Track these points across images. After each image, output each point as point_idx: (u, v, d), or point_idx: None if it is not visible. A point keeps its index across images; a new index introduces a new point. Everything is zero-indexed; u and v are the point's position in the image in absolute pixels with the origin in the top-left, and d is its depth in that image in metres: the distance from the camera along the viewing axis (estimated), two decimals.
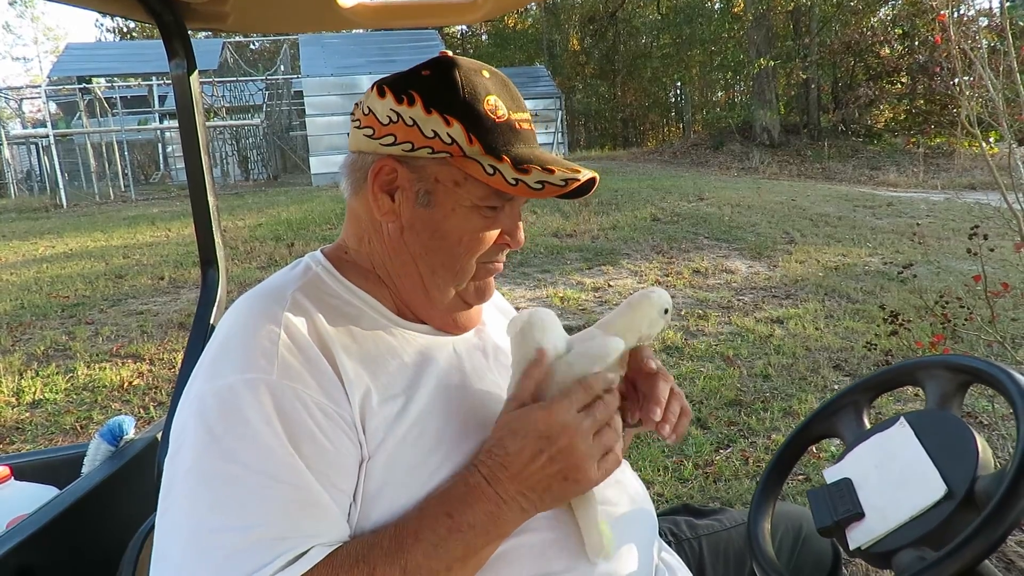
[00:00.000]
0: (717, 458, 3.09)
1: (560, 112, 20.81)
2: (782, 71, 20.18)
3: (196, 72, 1.08)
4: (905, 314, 4.55)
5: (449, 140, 0.84)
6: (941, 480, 0.80)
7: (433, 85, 0.85)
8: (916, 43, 16.09)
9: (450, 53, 0.91)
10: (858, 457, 0.94)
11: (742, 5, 18.78)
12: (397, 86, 0.86)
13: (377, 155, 0.88)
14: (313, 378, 0.77)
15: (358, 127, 0.90)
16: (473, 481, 0.78)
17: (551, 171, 0.84)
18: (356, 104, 0.91)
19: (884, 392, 1.02)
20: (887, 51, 17.27)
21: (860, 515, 0.85)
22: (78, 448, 1.31)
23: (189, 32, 1.08)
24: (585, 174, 0.86)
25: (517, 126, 0.88)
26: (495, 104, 0.86)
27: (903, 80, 17.74)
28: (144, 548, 0.75)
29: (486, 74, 0.88)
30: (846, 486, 0.90)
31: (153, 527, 0.79)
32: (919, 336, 3.84)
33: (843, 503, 0.88)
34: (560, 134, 20.81)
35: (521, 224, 0.93)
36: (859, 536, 0.84)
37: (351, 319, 0.87)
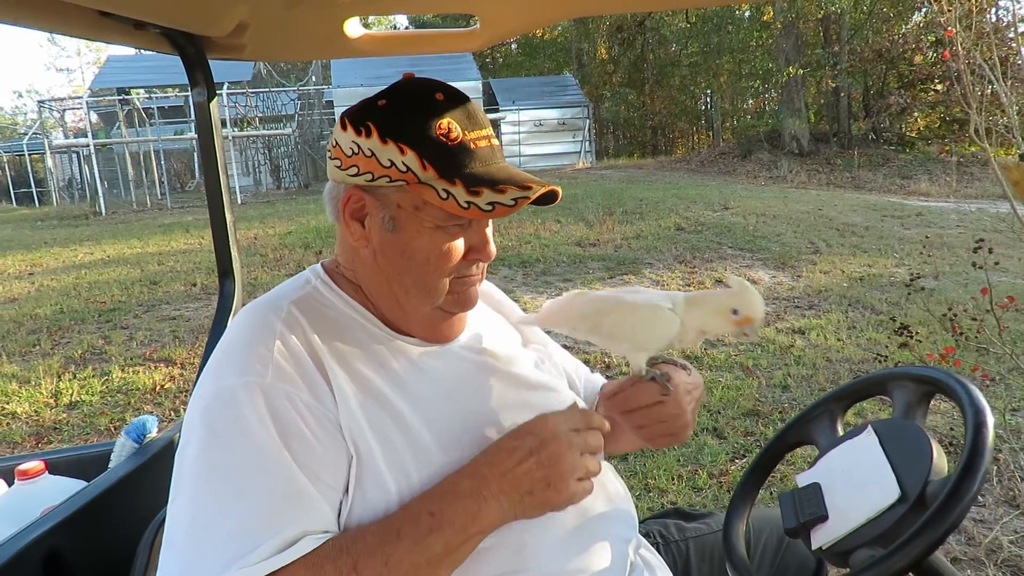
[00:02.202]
0: (732, 468, 3.10)
1: (588, 121, 20.86)
2: (812, 79, 19.99)
3: (216, 99, 1.17)
4: (930, 326, 4.52)
5: (404, 168, 0.88)
6: (897, 484, 0.85)
7: (387, 115, 0.89)
8: (951, 50, 15.81)
9: (414, 74, 0.96)
10: (828, 463, 0.99)
11: (771, 13, 18.65)
12: (356, 118, 0.91)
13: (345, 184, 0.93)
14: (304, 382, 0.85)
15: (330, 158, 0.95)
16: (456, 479, 0.84)
17: (502, 191, 0.88)
18: (331, 136, 0.97)
19: (857, 401, 1.07)
20: (920, 58, 17.00)
21: (824, 517, 0.90)
22: (106, 445, 1.40)
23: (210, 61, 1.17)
24: (537, 190, 0.89)
25: (472, 146, 0.90)
26: (448, 127, 0.89)
27: (936, 88, 17.44)
28: (158, 536, 0.83)
29: (440, 96, 0.91)
30: (814, 490, 0.95)
31: (165, 517, 0.87)
32: (937, 348, 3.82)
33: (810, 506, 0.93)
34: (588, 143, 20.85)
35: (491, 237, 0.97)
36: (822, 537, 0.89)
37: (343, 329, 0.93)
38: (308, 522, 0.79)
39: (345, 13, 1.11)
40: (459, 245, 0.94)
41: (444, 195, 0.88)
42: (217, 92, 1.17)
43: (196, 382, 1.16)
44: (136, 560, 0.80)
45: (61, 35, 1.01)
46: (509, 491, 0.83)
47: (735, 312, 0.92)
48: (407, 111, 0.89)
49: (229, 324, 0.93)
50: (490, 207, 0.87)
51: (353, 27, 1.16)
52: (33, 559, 0.90)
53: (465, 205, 0.87)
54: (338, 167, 0.93)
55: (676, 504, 2.86)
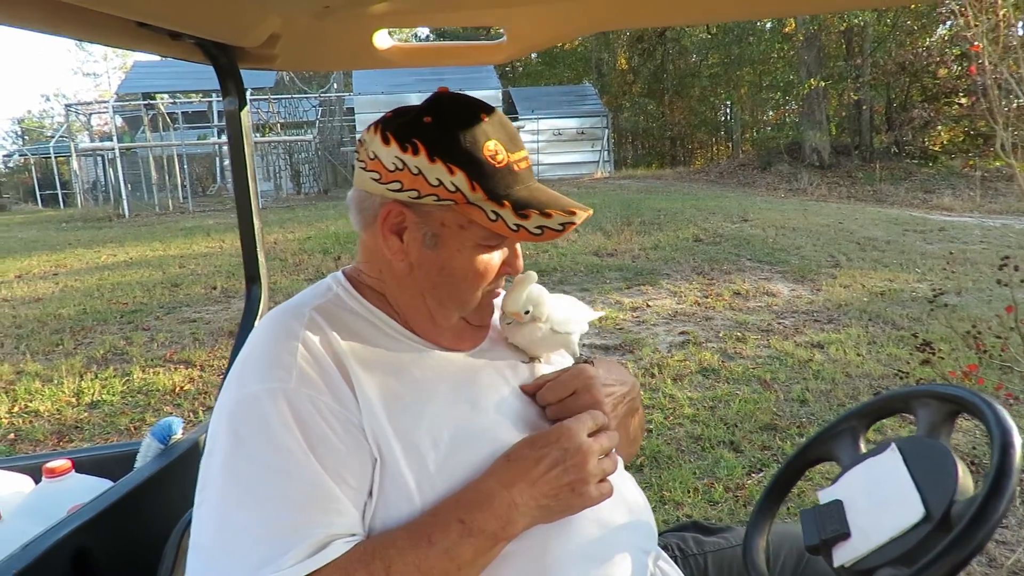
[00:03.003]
0: (749, 482, 3.08)
1: (607, 130, 20.86)
2: (833, 91, 19.86)
3: (247, 108, 1.19)
4: (952, 342, 4.46)
5: (453, 188, 0.89)
6: (921, 503, 0.84)
7: (435, 134, 0.90)
8: (973, 61, 15.66)
9: (449, 89, 0.96)
10: (850, 480, 0.98)
11: (793, 25, 18.58)
12: (401, 134, 0.91)
13: (384, 198, 0.93)
14: (327, 387, 0.86)
15: (364, 169, 0.95)
16: (486, 488, 0.86)
17: (549, 215, 0.91)
18: (360, 142, 0.97)
19: (880, 419, 1.06)
20: (944, 71, 16.85)
21: (846, 535, 0.90)
22: (131, 445, 1.42)
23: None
24: (580, 215, 0.92)
25: (515, 168, 0.93)
26: (495, 149, 0.91)
27: (961, 101, 17.25)
28: (184, 537, 0.84)
29: (484, 117, 0.92)
30: (836, 507, 0.94)
31: (192, 519, 0.88)
32: (959, 365, 3.77)
33: (831, 523, 0.92)
34: (606, 152, 20.85)
35: (520, 251, 1.00)
36: (843, 555, 0.88)
37: (365, 335, 0.94)
38: (336, 526, 0.80)
39: (374, 25, 1.13)
40: (495, 261, 0.97)
41: (493, 217, 0.90)
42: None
43: (221, 387, 1.18)
44: (163, 560, 0.81)
45: (100, 45, 1.04)
46: (539, 497, 0.86)
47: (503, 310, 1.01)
48: (455, 131, 0.90)
49: (254, 329, 0.94)
50: (539, 231, 0.90)
51: (382, 39, 1.18)
52: (62, 556, 0.92)
53: (515, 228, 0.90)
54: (376, 180, 0.93)
55: (691, 517, 2.84)
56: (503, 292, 1.05)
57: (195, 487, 0.83)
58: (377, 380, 0.90)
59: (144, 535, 1.05)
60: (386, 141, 0.91)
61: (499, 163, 0.91)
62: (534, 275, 1.03)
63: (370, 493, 0.86)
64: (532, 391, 1.01)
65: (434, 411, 0.91)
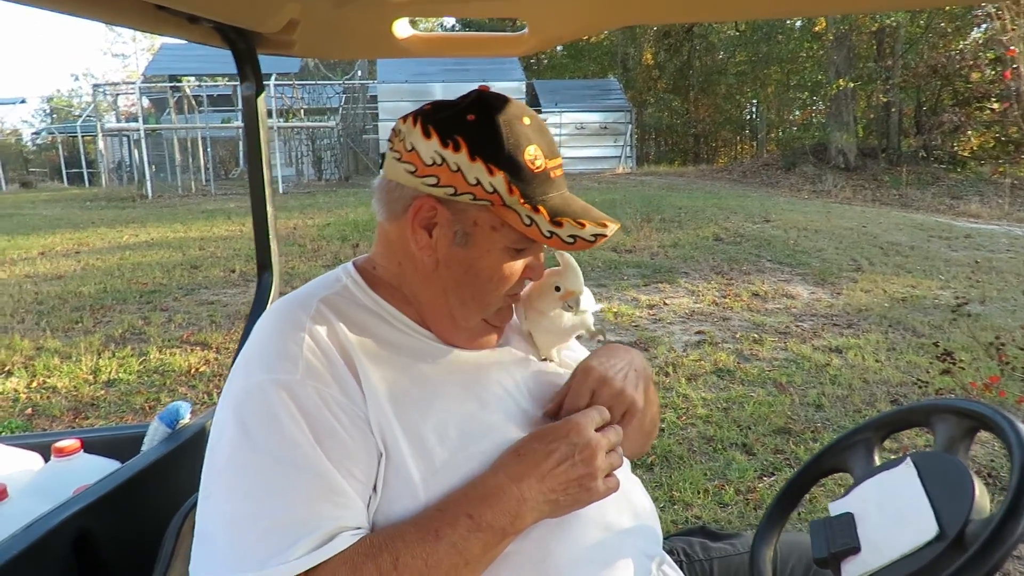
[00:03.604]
0: (760, 485, 3.05)
1: (630, 126, 20.73)
2: (862, 93, 19.57)
3: (263, 94, 1.18)
4: (973, 352, 4.39)
5: (491, 189, 0.89)
6: (935, 521, 0.82)
7: (478, 133, 0.89)
8: (1011, 67, 15.36)
9: (489, 87, 0.96)
10: (863, 492, 0.96)
11: (823, 24, 18.31)
12: (443, 128, 0.90)
13: (417, 192, 0.92)
14: (334, 379, 0.85)
15: (398, 159, 0.94)
16: (495, 483, 0.85)
17: (582, 225, 0.90)
18: (395, 132, 0.96)
19: (896, 431, 1.03)
20: (977, 75, 16.54)
21: (856, 549, 0.88)
22: (141, 427, 1.43)
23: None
24: (612, 228, 0.92)
25: (552, 175, 0.93)
26: (534, 154, 0.91)
27: (993, 107, 16.95)
28: (186, 522, 0.84)
29: (527, 121, 0.92)
30: (847, 520, 0.92)
31: (194, 505, 0.88)
32: (981, 375, 3.71)
33: (842, 536, 0.90)
34: (629, 148, 20.73)
35: (543, 259, 1.01)
36: (853, 569, 0.87)
37: (373, 329, 0.93)
38: (344, 519, 0.80)
39: (394, 14, 1.12)
40: (520, 266, 0.97)
41: (528, 221, 0.90)
42: (265, 85, 1.18)
43: (229, 375, 1.18)
44: (163, 546, 0.81)
45: (117, 26, 1.04)
46: (547, 492, 0.86)
47: (557, 288, 1.01)
48: (499, 132, 0.89)
49: (258, 321, 0.93)
50: (572, 240, 0.90)
51: (402, 28, 1.17)
52: (64, 538, 0.92)
53: (548, 234, 0.90)
54: (411, 172, 0.92)
55: (700, 519, 2.82)
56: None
57: (200, 473, 0.83)
58: (384, 374, 0.89)
59: (147, 519, 1.05)
60: (427, 134, 0.90)
61: (537, 169, 0.91)
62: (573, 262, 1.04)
63: (374, 488, 0.85)
64: (554, 413, 0.98)
65: (441, 407, 0.90)
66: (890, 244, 8.75)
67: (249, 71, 1.15)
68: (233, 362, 1.19)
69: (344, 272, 1.01)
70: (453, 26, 28.51)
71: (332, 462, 0.81)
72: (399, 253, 0.98)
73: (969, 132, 18.37)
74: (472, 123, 0.90)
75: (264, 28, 1.08)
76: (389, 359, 0.91)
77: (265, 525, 0.77)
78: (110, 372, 4.41)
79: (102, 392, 4.15)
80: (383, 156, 0.98)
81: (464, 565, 0.80)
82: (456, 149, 0.89)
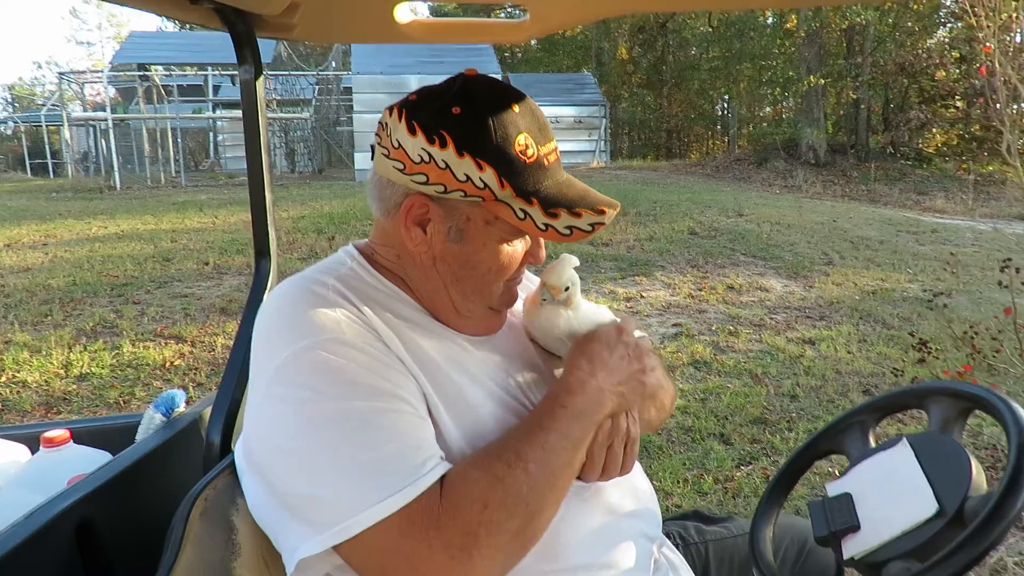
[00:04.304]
0: (738, 474, 3.10)
1: (604, 120, 20.80)
2: (832, 90, 19.89)
3: (263, 77, 1.17)
4: (940, 343, 4.50)
5: (482, 185, 0.87)
6: (934, 498, 0.85)
7: (465, 127, 0.86)
8: (974, 67, 15.74)
9: (479, 70, 0.93)
10: (860, 473, 0.98)
11: (795, 21, 18.55)
12: (428, 125, 0.87)
13: (408, 190, 0.91)
14: (371, 335, 0.87)
15: (386, 156, 0.91)
16: (575, 378, 0.91)
17: (578, 215, 0.89)
18: (381, 125, 0.93)
19: (891, 413, 1.06)
20: (943, 74, 16.92)
21: (856, 527, 0.90)
22: (129, 418, 1.41)
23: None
24: (610, 214, 0.91)
25: (545, 162, 0.91)
26: (525, 143, 0.88)
27: (958, 104, 17.35)
28: (194, 508, 0.83)
29: (516, 108, 0.89)
30: (846, 500, 0.95)
31: (202, 490, 0.87)
32: (951, 365, 3.80)
33: (841, 515, 0.93)
34: (603, 142, 20.80)
35: (543, 241, 0.98)
36: (853, 547, 0.89)
37: (386, 305, 0.93)
38: (438, 447, 0.84)
39: None
40: (519, 252, 0.96)
41: (521, 215, 0.88)
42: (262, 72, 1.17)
43: (229, 363, 1.17)
44: (171, 533, 0.80)
45: (119, 5, 1.01)
46: (615, 384, 0.93)
47: (544, 285, 1.01)
48: (486, 124, 0.87)
49: (266, 301, 0.92)
50: (568, 231, 0.89)
51: (403, 12, 1.16)
52: (66, 527, 0.91)
53: (543, 227, 0.88)
54: (400, 170, 0.90)
55: (680, 507, 2.86)
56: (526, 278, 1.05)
57: (199, 460, 0.82)
58: (407, 343, 0.90)
59: (147, 507, 1.04)
60: (412, 131, 0.88)
61: (529, 159, 0.89)
62: (575, 259, 1.02)
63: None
64: None
65: (460, 375, 0.92)
66: (860, 238, 8.92)
67: (248, 54, 1.13)
68: (232, 354, 1.18)
69: (348, 255, 1.00)
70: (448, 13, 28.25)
71: (411, 395, 0.84)
72: (397, 246, 0.97)
73: (934, 129, 18.78)
74: (458, 116, 0.87)
75: (265, 10, 1.07)
76: (409, 332, 0.91)
77: (387, 454, 0.79)
78: (82, 366, 4.33)
79: (74, 386, 4.07)
80: (373, 148, 0.96)
81: (572, 448, 0.87)
82: (443, 145, 0.86)
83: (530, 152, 0.89)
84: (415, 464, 0.79)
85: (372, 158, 0.97)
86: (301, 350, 0.82)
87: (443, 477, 0.81)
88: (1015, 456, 0.79)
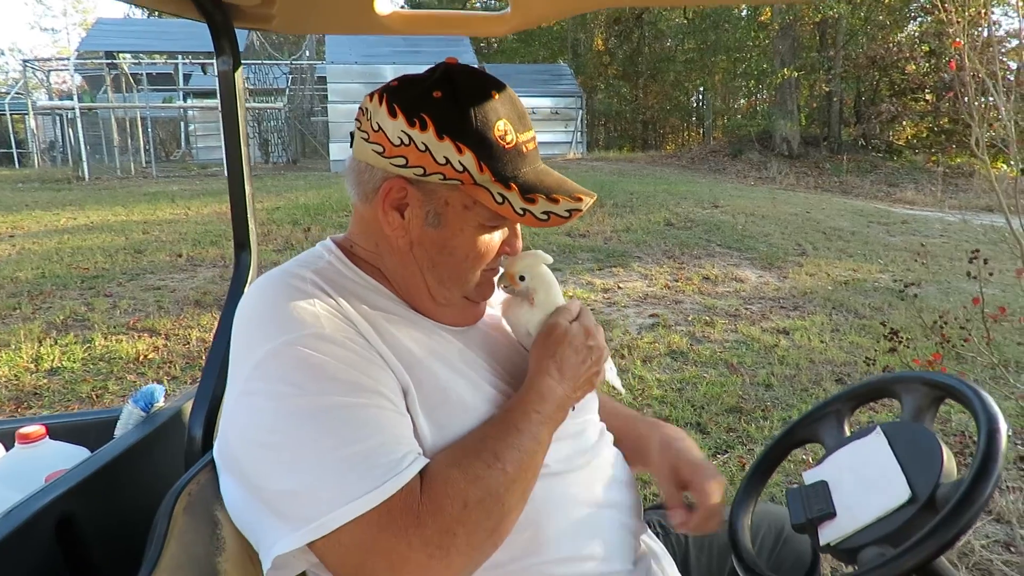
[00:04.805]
0: (714, 462, 3.14)
1: (580, 111, 20.82)
2: (805, 82, 20.12)
3: (241, 68, 1.16)
4: (910, 332, 4.59)
5: (461, 168, 0.88)
6: (907, 485, 0.87)
7: (446, 110, 0.87)
8: (943, 61, 16.00)
9: (458, 60, 0.93)
10: (836, 461, 1.01)
11: (769, 14, 18.70)
12: (409, 107, 0.88)
13: (387, 173, 0.91)
14: (351, 329, 0.87)
15: (366, 140, 0.92)
16: (546, 385, 0.94)
17: (556, 200, 0.90)
18: (361, 110, 0.93)
19: (865, 402, 1.09)
20: (913, 67, 17.18)
21: (832, 514, 0.92)
22: (106, 413, 1.39)
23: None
24: (587, 202, 0.92)
25: (524, 149, 0.92)
26: (504, 129, 0.89)
27: (927, 98, 17.64)
28: (178, 503, 0.83)
29: (496, 95, 0.90)
30: (822, 487, 0.97)
31: (186, 485, 0.87)
32: (921, 354, 3.89)
33: (818, 503, 0.95)
34: (579, 133, 20.83)
35: (519, 232, 1.00)
36: (830, 533, 0.91)
37: (364, 298, 0.93)
38: (416, 443, 0.85)
39: None
40: (496, 241, 0.96)
41: (500, 199, 0.89)
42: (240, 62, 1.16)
43: (209, 356, 1.16)
44: (155, 527, 0.79)
45: None
46: (574, 388, 0.96)
47: (522, 278, 1.02)
48: (467, 108, 0.87)
49: (246, 296, 0.92)
50: (545, 216, 0.90)
51: (383, 4, 1.15)
52: (47, 523, 0.90)
53: (521, 212, 0.89)
54: (379, 153, 0.91)
55: (658, 496, 2.89)
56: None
57: (181, 455, 0.81)
58: (385, 335, 0.90)
59: (128, 502, 1.03)
60: (392, 114, 0.88)
61: (508, 144, 0.90)
62: (548, 257, 1.03)
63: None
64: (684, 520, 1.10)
65: (440, 365, 0.92)
66: (832, 229, 9.05)
67: (226, 45, 1.11)
68: (212, 348, 1.17)
69: (325, 249, 1.00)
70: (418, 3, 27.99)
71: (390, 391, 0.85)
72: (375, 234, 0.97)
73: (904, 122, 19.09)
74: (439, 100, 0.87)
75: (243, 0, 1.05)
76: (386, 322, 0.92)
77: (365, 449, 0.78)
78: (53, 360, 4.25)
79: (45, 381, 4.00)
80: (352, 135, 0.96)
81: (541, 452, 0.90)
82: (423, 128, 0.87)
83: (509, 138, 0.90)
84: (395, 459, 0.79)
85: (351, 145, 0.97)
86: (281, 346, 0.82)
87: (423, 473, 0.81)
88: (984, 443, 0.81)
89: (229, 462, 0.85)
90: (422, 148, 0.87)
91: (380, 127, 0.90)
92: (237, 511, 0.85)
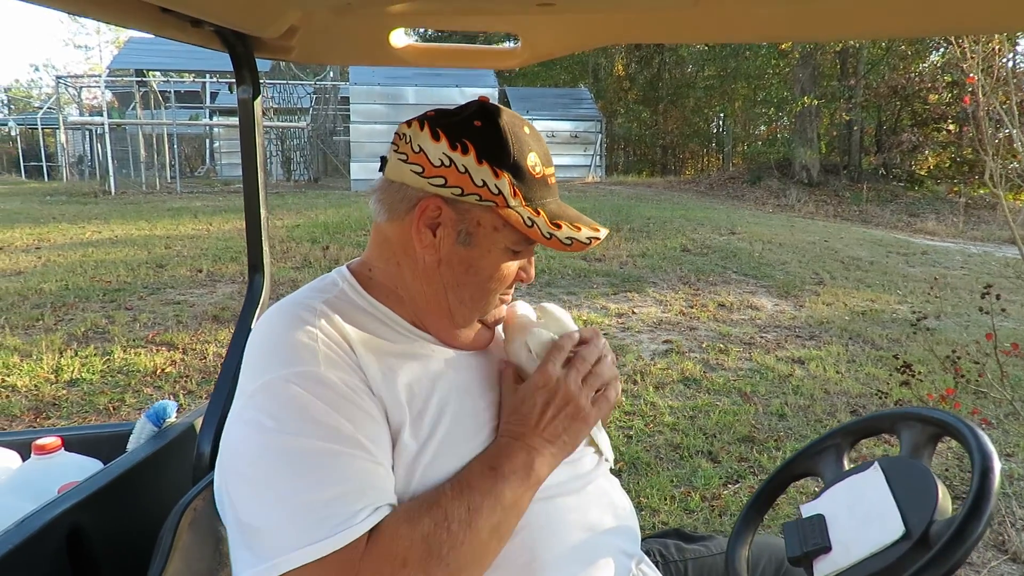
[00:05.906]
0: (725, 492, 3.12)
1: (600, 135, 20.92)
2: (826, 111, 20.07)
3: (260, 97, 1.20)
4: (929, 365, 4.54)
5: (496, 191, 0.94)
6: (901, 521, 0.87)
7: (486, 138, 0.95)
8: (965, 91, 15.86)
9: (490, 100, 1.01)
10: (833, 495, 1.01)
11: (789, 43, 18.73)
12: (452, 133, 0.95)
13: (424, 192, 0.97)
14: (351, 369, 0.90)
15: (404, 161, 0.98)
16: (504, 441, 0.94)
17: (578, 228, 0.97)
18: (399, 135, 1.00)
19: (864, 438, 1.09)
20: (935, 97, 17.09)
21: (827, 548, 0.93)
22: (120, 427, 1.43)
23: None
24: (604, 232, 1.00)
25: (549, 181, 1.00)
26: (535, 161, 0.97)
27: (949, 128, 17.51)
28: (183, 518, 0.85)
29: (527, 130, 0.99)
30: (819, 521, 0.97)
31: (191, 501, 0.89)
32: (936, 388, 3.84)
33: (813, 536, 0.95)
34: (599, 157, 20.91)
35: (534, 261, 1.06)
36: (824, 567, 0.91)
37: (373, 331, 0.97)
38: (388, 491, 0.86)
39: (392, 23, 1.15)
40: (514, 268, 1.02)
41: (529, 223, 0.95)
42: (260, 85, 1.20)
43: (220, 377, 1.19)
44: (160, 542, 0.82)
45: (122, 27, 1.04)
46: (550, 439, 0.95)
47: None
48: (505, 138, 0.95)
49: (257, 324, 0.95)
50: (569, 242, 0.96)
51: (398, 37, 1.20)
52: (57, 534, 0.92)
53: (547, 236, 0.95)
54: (418, 173, 0.96)
55: (667, 524, 2.87)
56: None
57: (189, 470, 0.84)
58: (385, 373, 0.92)
59: (138, 516, 1.06)
60: (436, 137, 0.95)
61: (537, 175, 0.97)
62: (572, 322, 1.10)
63: (393, 467, 0.90)
64: None
65: (440, 400, 0.95)
66: (851, 259, 8.99)
67: (247, 74, 1.16)
68: (223, 368, 1.20)
69: (340, 276, 1.04)
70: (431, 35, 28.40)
71: (371, 442, 0.86)
72: (398, 253, 1.01)
73: (926, 152, 18.94)
74: (480, 128, 0.95)
75: (265, 33, 1.10)
76: (388, 360, 0.94)
77: (327, 497, 0.80)
78: (72, 371, 4.32)
79: (64, 392, 4.07)
80: (384, 159, 1.02)
81: (502, 511, 0.88)
82: (464, 152, 0.94)
83: (538, 170, 0.97)
84: (352, 511, 0.81)
85: (381, 169, 1.03)
86: (275, 379, 0.86)
87: (374, 528, 0.82)
88: (978, 482, 0.82)
89: (220, 481, 0.88)
90: (462, 170, 0.94)
91: (422, 149, 0.96)
92: (227, 528, 0.88)
